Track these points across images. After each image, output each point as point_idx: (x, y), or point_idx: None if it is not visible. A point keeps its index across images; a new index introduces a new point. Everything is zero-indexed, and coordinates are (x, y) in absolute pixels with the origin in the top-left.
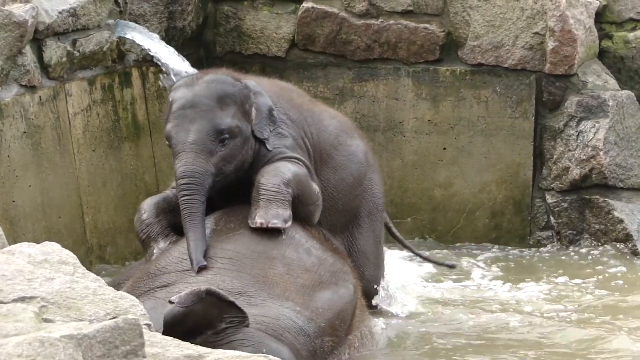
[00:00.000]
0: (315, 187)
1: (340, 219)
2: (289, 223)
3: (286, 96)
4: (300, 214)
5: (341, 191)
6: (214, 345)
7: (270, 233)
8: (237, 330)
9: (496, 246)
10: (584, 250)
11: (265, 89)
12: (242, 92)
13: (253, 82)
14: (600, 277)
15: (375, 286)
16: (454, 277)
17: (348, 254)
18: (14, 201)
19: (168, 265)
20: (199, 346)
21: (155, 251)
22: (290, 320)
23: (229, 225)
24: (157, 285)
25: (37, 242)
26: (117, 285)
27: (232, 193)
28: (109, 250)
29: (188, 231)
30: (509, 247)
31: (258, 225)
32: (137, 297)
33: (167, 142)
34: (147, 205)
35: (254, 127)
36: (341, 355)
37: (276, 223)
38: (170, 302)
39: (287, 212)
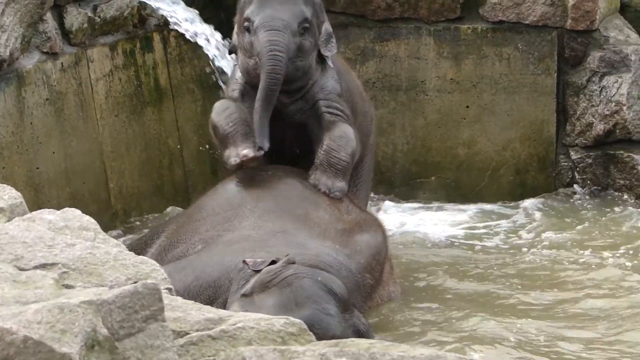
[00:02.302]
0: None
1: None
2: (339, 193)
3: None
4: None
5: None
6: (268, 285)
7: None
8: (286, 267)
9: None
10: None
11: None
12: (320, 5)
13: None
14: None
15: None
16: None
17: None
18: (37, 168)
19: (211, 216)
20: (220, 310)
21: (233, 153)
22: (331, 256)
23: (278, 171)
24: (201, 238)
25: (62, 209)
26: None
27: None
28: (134, 215)
29: (260, 100)
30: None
31: (321, 190)
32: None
33: (244, 24)
34: (231, 104)
35: (320, 42)
36: (380, 298)
37: (337, 195)
38: (244, 262)
39: (346, 185)
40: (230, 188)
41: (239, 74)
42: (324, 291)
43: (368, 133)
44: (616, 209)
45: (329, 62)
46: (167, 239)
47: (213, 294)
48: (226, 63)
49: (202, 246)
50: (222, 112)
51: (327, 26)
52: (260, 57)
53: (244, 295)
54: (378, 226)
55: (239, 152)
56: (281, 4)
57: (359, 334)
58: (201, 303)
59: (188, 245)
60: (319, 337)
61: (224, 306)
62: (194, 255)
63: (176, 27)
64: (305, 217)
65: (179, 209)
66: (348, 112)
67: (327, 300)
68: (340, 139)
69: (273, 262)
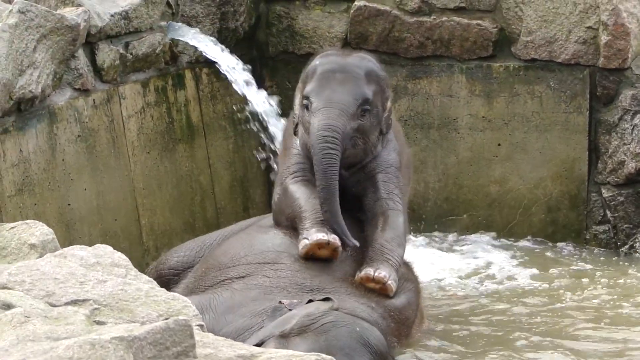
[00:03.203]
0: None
1: None
2: (394, 284)
3: None
4: None
5: (406, 190)
6: (306, 329)
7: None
8: (327, 313)
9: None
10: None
11: None
12: (386, 79)
13: None
14: None
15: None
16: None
17: None
18: (69, 205)
19: (247, 256)
20: (251, 346)
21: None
22: (366, 312)
23: None
24: (233, 276)
25: (93, 245)
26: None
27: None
28: (166, 252)
29: (326, 201)
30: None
31: (379, 276)
32: (209, 287)
33: (304, 102)
34: (310, 187)
35: (383, 119)
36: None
37: (392, 285)
38: (281, 302)
39: (396, 276)
40: (269, 238)
41: (297, 144)
42: (360, 343)
43: (409, 179)
44: None
45: (389, 137)
46: (199, 270)
47: (242, 340)
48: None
49: (228, 287)
50: (309, 199)
51: (390, 102)
52: (313, 147)
53: (282, 335)
54: (412, 282)
55: (313, 236)
56: (341, 84)
57: None
58: None
59: (216, 280)
60: None
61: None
62: (225, 294)
63: (211, 59)
64: (342, 280)
65: None
66: (405, 187)
67: (361, 353)
68: (393, 240)
69: (310, 301)
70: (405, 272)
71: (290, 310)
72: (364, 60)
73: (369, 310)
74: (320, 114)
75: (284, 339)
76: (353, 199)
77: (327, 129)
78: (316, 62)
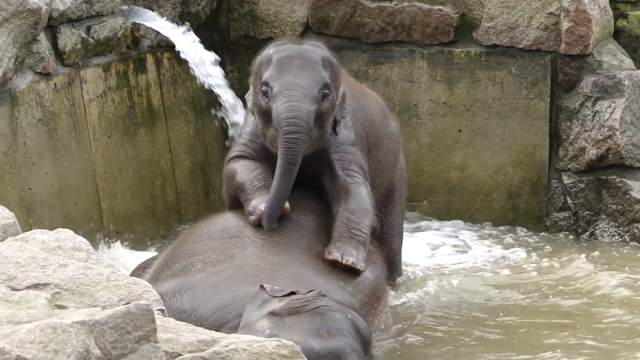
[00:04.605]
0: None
1: (380, 196)
2: (364, 265)
3: (346, 81)
4: None
5: (387, 171)
6: (298, 310)
7: (317, 214)
8: (316, 298)
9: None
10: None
11: None
12: (338, 67)
13: None
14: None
15: (398, 258)
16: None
17: (381, 226)
18: (30, 188)
19: (209, 232)
20: (212, 331)
21: (256, 207)
22: (339, 294)
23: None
24: (202, 257)
25: (54, 229)
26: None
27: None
28: (126, 236)
29: (279, 176)
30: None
31: (349, 261)
32: (180, 271)
33: (262, 88)
34: (249, 161)
35: (337, 106)
36: (377, 329)
37: (363, 267)
38: (262, 287)
39: (364, 254)
40: (229, 216)
41: (253, 130)
42: (353, 329)
43: (396, 154)
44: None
45: (338, 128)
46: (163, 260)
47: (222, 318)
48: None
49: (202, 267)
50: (248, 171)
51: (342, 89)
52: (278, 130)
53: (272, 313)
54: (377, 258)
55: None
56: (300, 69)
57: None
58: (209, 324)
59: (186, 263)
60: None
61: (234, 330)
62: (201, 274)
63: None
64: (310, 251)
65: None
66: (362, 160)
67: (355, 338)
68: (357, 211)
69: (292, 293)
70: (371, 248)
71: (272, 296)
72: (317, 48)
73: (340, 290)
74: (282, 98)
75: (276, 316)
76: (314, 183)
77: (292, 111)
78: (270, 50)
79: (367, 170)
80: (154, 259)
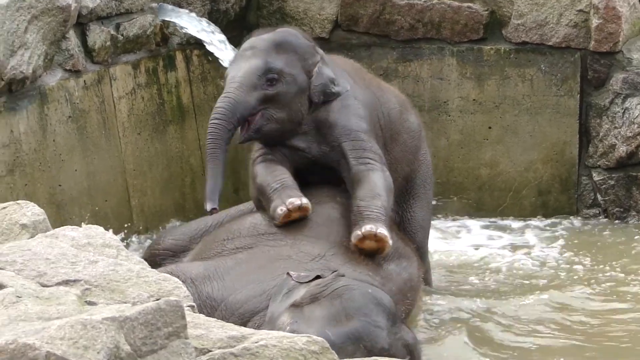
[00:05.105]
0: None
1: (400, 190)
2: (385, 231)
3: (360, 75)
4: None
5: (405, 165)
6: (318, 296)
7: (345, 208)
8: (335, 279)
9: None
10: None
11: (340, 66)
12: (308, 48)
13: (327, 55)
14: None
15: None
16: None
17: (402, 221)
18: (60, 185)
19: (241, 230)
20: (242, 327)
21: (275, 209)
22: (367, 281)
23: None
24: (233, 247)
25: (84, 226)
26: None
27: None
28: (156, 233)
29: (207, 161)
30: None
31: (367, 230)
32: (211, 258)
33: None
34: (267, 163)
35: (312, 87)
36: (417, 320)
37: (383, 232)
38: (288, 274)
39: (384, 226)
40: (257, 215)
41: None
42: (373, 304)
43: (414, 150)
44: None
45: (347, 102)
46: (193, 256)
47: (253, 308)
48: None
49: (232, 256)
50: (266, 173)
51: (326, 70)
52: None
53: (293, 305)
54: (412, 255)
55: (285, 201)
56: (247, 60)
57: (408, 347)
58: (239, 315)
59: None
60: (368, 350)
61: (262, 320)
62: (231, 262)
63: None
64: (339, 244)
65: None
66: (376, 147)
67: (377, 313)
68: (365, 196)
69: (318, 277)
70: (402, 247)
71: (299, 282)
72: (278, 33)
73: (368, 277)
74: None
75: (297, 308)
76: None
77: (219, 102)
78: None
79: (382, 156)
80: (166, 233)
